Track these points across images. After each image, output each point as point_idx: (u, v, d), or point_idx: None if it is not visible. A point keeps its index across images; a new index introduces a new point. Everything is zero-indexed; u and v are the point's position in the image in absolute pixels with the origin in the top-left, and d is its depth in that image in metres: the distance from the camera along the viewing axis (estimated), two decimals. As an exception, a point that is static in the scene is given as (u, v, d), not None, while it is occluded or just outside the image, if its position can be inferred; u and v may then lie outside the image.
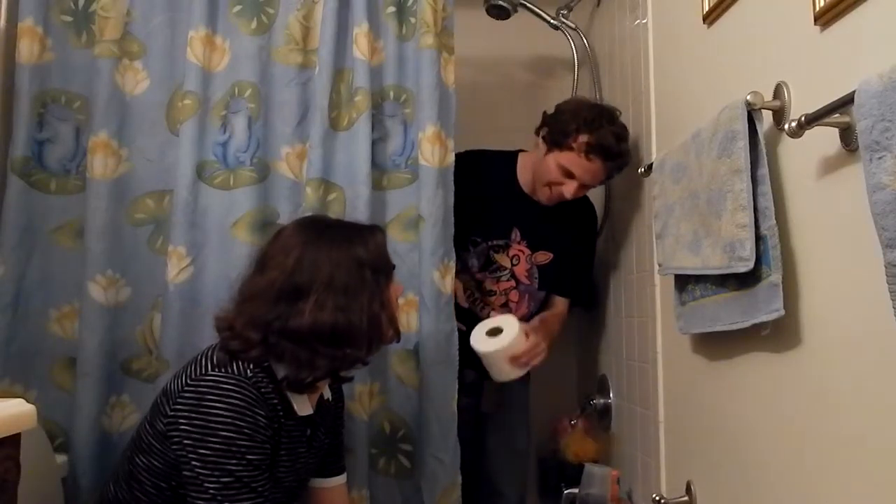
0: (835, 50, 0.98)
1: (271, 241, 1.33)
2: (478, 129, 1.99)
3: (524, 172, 1.91)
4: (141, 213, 1.63)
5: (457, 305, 1.70)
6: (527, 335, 1.68)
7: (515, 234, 1.90)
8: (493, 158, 1.94)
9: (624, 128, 1.78)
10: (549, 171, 1.79)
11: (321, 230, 1.31)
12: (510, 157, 1.94)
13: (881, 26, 0.88)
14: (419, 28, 1.68)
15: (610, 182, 2.04)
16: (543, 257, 1.91)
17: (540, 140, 1.82)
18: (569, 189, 1.77)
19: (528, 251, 1.90)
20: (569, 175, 1.76)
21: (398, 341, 1.40)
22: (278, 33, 1.69)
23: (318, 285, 1.22)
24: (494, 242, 1.90)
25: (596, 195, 2.07)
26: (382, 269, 1.31)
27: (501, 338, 1.66)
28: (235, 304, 1.28)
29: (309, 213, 1.58)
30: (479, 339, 1.68)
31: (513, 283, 1.90)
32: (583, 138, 1.72)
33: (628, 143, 1.77)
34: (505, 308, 1.90)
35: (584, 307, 2.09)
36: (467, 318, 1.77)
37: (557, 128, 1.77)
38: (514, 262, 1.90)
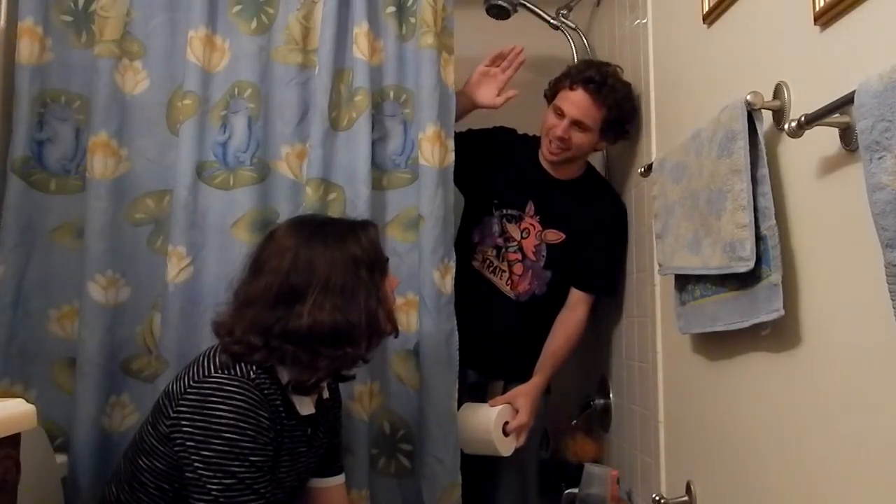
0: (835, 50, 0.98)
1: (264, 244, 1.33)
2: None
3: None
4: (141, 212, 1.63)
5: (458, 296, 1.68)
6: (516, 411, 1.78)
7: (530, 207, 1.90)
8: (521, 135, 2.00)
9: (616, 70, 1.83)
10: (546, 120, 1.86)
11: (313, 230, 1.31)
12: (535, 137, 1.97)
13: (881, 26, 0.88)
14: (419, 28, 1.68)
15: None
16: (554, 236, 1.88)
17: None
18: (560, 127, 1.80)
19: (539, 227, 1.89)
20: (560, 114, 1.81)
21: (396, 336, 1.40)
22: (278, 33, 1.69)
23: (315, 286, 1.22)
24: (508, 212, 1.91)
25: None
26: (377, 264, 1.32)
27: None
28: (233, 309, 1.28)
29: (309, 213, 1.58)
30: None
31: (519, 255, 1.90)
32: (569, 78, 1.82)
33: (622, 82, 1.80)
34: (508, 279, 1.90)
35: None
36: (478, 293, 1.86)
37: (554, 81, 1.87)
38: (524, 234, 1.90)
